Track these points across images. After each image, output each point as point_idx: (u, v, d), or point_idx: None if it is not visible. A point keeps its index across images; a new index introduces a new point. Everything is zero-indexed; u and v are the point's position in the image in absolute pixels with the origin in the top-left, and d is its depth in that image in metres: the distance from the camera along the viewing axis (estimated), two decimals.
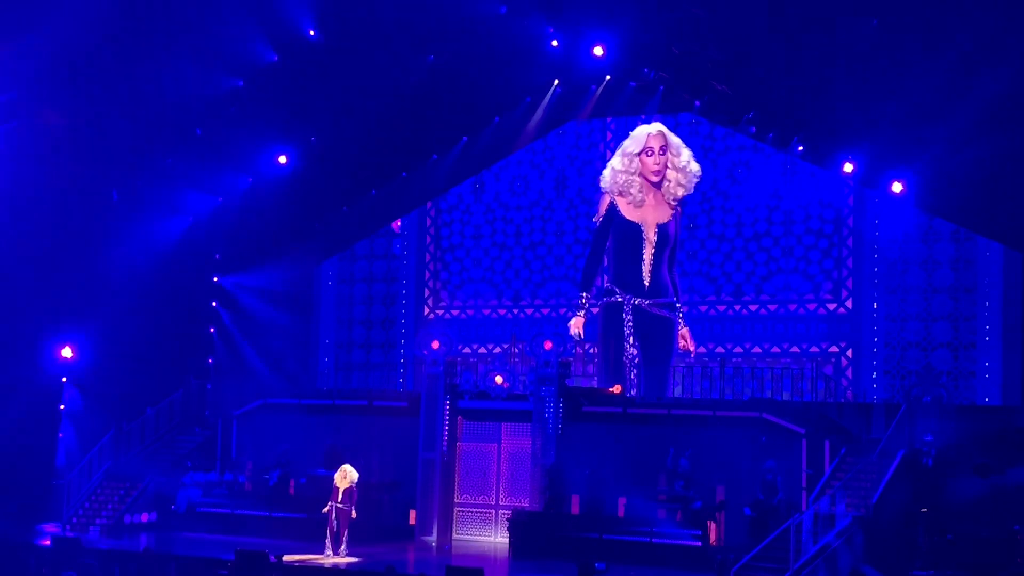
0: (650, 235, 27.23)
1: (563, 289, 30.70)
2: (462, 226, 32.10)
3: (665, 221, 27.36)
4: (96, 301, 25.64)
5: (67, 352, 25.98)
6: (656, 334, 27.26)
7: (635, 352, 27.05)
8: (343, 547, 21.74)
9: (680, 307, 27.55)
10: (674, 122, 29.05)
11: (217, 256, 28.35)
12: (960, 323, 26.90)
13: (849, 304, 28.03)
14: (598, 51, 24.80)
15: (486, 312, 31.57)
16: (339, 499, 21.85)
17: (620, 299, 27.26)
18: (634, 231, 27.29)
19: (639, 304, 27.11)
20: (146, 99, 23.25)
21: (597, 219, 28.12)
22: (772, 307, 28.71)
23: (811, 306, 28.40)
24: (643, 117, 28.55)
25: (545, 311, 30.78)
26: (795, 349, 28.28)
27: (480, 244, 31.81)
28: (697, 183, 27.95)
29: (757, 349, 28.61)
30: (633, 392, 26.51)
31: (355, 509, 21.93)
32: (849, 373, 27.77)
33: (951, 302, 27.05)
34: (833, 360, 27.95)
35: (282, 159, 26.99)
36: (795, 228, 28.58)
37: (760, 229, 28.97)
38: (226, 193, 27.56)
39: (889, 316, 27.57)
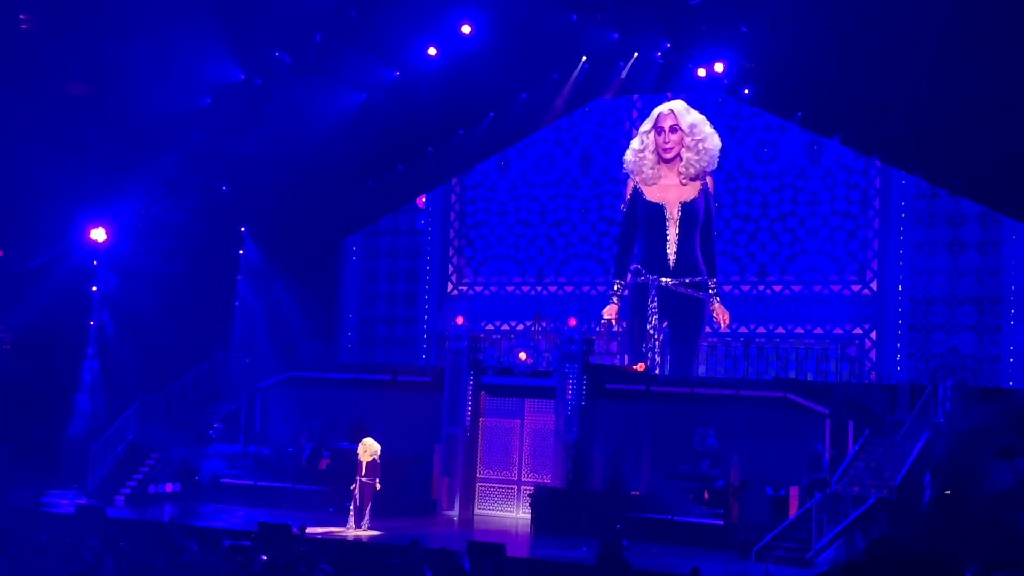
0: (673, 213, 27.23)
1: (587, 267, 30.70)
2: (487, 203, 32.10)
3: (691, 199, 27.33)
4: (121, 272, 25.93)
5: (91, 323, 26.20)
6: (683, 313, 27.24)
7: (662, 331, 27.04)
8: (366, 520, 21.86)
9: (711, 284, 27.48)
10: (701, 100, 28.95)
11: (242, 229, 28.44)
12: (985, 306, 26.76)
13: (874, 286, 27.93)
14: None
15: (509, 289, 31.60)
16: (362, 472, 21.97)
17: (645, 279, 27.29)
18: (657, 211, 27.33)
19: (665, 284, 27.12)
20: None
21: (624, 205, 28.16)
22: (796, 288, 28.63)
23: (835, 287, 28.31)
24: (669, 95, 28.50)
25: (568, 288, 30.78)
26: (818, 330, 28.21)
27: (504, 221, 31.81)
28: (723, 161, 27.87)
29: (780, 330, 28.55)
30: (658, 371, 26.53)
31: (379, 482, 22.04)
32: (873, 355, 27.70)
33: (976, 285, 26.90)
34: (857, 342, 27.87)
35: None
36: (820, 209, 28.45)
37: (785, 209, 28.87)
38: (250, 163, 27.58)
39: (914, 298, 27.45)
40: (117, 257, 26.80)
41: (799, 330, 28.41)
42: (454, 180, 31.91)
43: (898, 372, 26.96)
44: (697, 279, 27.33)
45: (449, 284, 32.33)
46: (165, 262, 26.17)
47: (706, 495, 22.44)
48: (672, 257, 27.21)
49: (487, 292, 31.76)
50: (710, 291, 27.41)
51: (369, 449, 22.09)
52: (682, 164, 27.25)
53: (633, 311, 27.53)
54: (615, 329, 27.61)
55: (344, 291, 32.77)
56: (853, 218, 28.20)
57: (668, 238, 27.27)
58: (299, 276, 29.46)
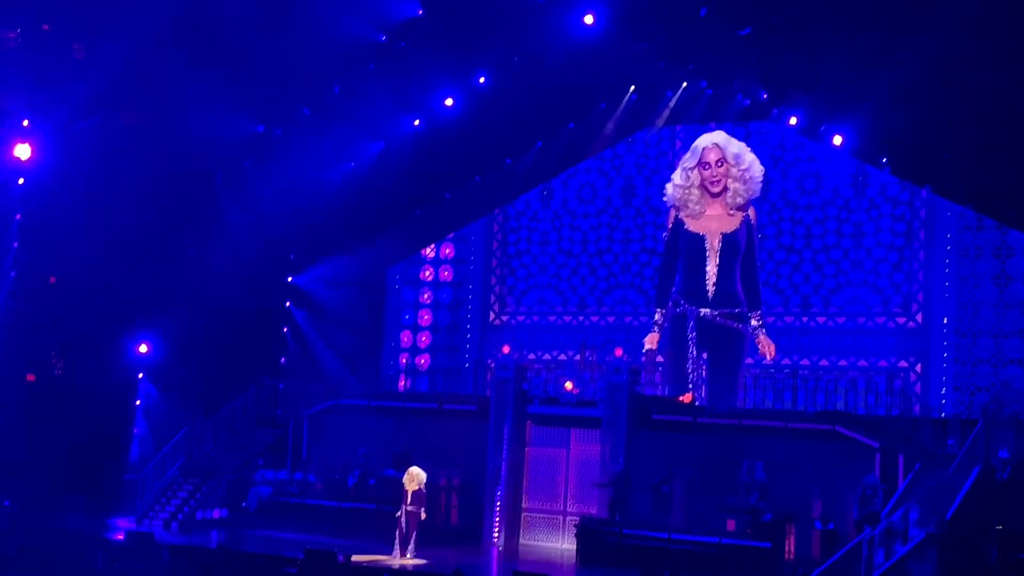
0: (714, 244, 27.19)
1: (629, 296, 30.75)
2: (529, 232, 32.24)
3: (732, 230, 27.25)
4: (173, 298, 26.07)
5: (143, 348, 26.42)
6: (722, 344, 27.19)
7: (702, 362, 27.01)
8: (411, 548, 21.88)
9: (751, 316, 27.34)
10: (745, 131, 29.03)
11: (292, 256, 28.68)
12: None
13: (919, 318, 27.86)
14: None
15: (551, 319, 31.68)
16: (408, 501, 22.01)
17: (684, 310, 27.27)
18: (698, 242, 27.28)
19: (703, 315, 27.08)
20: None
21: (666, 235, 28.17)
22: (840, 320, 28.60)
23: (880, 319, 28.26)
24: (712, 125, 28.58)
25: (611, 319, 30.84)
26: (863, 363, 28.15)
27: (547, 251, 31.92)
28: (766, 192, 27.92)
29: (824, 362, 28.50)
30: (699, 402, 26.49)
31: (424, 511, 22.09)
32: (918, 388, 27.59)
33: (1023, 318, 26.80)
34: (902, 375, 27.78)
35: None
36: (865, 240, 28.45)
37: (829, 241, 28.88)
38: (301, 195, 27.83)
39: (959, 331, 27.38)
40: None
41: (843, 362, 28.36)
42: (496, 209, 32.07)
43: (943, 405, 26.85)
44: (736, 310, 27.22)
45: (491, 313, 32.43)
46: (218, 288, 26.35)
47: (749, 528, 22.32)
48: (711, 288, 27.14)
49: (529, 322, 31.84)
50: (752, 323, 27.29)
51: (416, 478, 22.11)
52: (729, 195, 27.21)
53: (672, 342, 27.50)
54: (657, 360, 27.62)
55: (387, 319, 32.90)
56: (898, 250, 28.16)
57: (707, 269, 27.20)
58: (345, 304, 29.65)
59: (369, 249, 29.94)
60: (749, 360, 27.77)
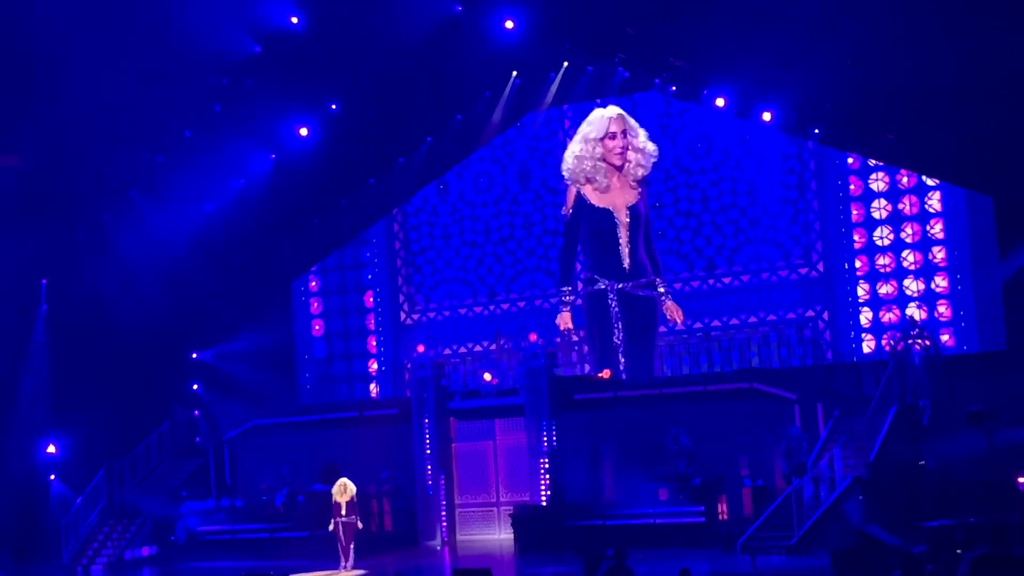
0: (622, 218, 27.27)
1: (538, 280, 30.76)
2: (430, 228, 32.07)
3: (634, 202, 27.43)
4: (67, 335, 25.61)
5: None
6: (641, 315, 27.29)
7: (622, 336, 27.09)
8: (350, 561, 21.68)
9: (660, 283, 27.56)
10: (630, 103, 29.16)
11: (193, 280, 28.11)
12: (931, 275, 27.18)
13: (820, 267, 28.26)
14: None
15: (462, 312, 31.56)
16: (342, 513, 21.79)
17: (603, 286, 27.27)
18: (606, 217, 27.31)
19: (622, 288, 27.12)
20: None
21: (566, 211, 28.08)
22: (745, 278, 28.90)
23: (783, 273, 28.59)
24: (598, 101, 28.62)
25: (522, 304, 30.82)
26: (772, 317, 28.45)
27: (450, 244, 31.79)
28: (657, 162, 28.10)
29: (735, 321, 28.78)
30: (621, 376, 26.61)
31: (359, 520, 21.90)
32: (827, 336, 28.00)
33: (921, 255, 27.31)
34: (810, 324, 28.15)
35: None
36: (760, 197, 28.74)
37: (725, 202, 29.15)
38: (188, 218, 27.31)
39: (862, 275, 27.82)
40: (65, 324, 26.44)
41: (753, 319, 28.64)
42: (395, 209, 31.83)
43: (855, 350, 27.29)
44: (648, 279, 27.42)
45: (402, 313, 32.22)
46: (113, 322, 25.77)
47: (681, 494, 22.51)
48: (626, 261, 27.23)
49: (440, 317, 31.70)
50: (660, 289, 27.48)
51: (347, 490, 21.90)
52: (631, 167, 27.32)
53: (594, 319, 27.50)
54: (573, 339, 27.66)
55: (297, 332, 32.51)
56: (792, 203, 28.51)
57: (620, 243, 27.28)
58: (252, 324, 29.14)
59: (271, 263, 29.48)
60: (662, 328, 27.95)
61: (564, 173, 27.84)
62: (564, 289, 27.80)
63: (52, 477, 26.37)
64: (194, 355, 28.64)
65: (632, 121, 27.61)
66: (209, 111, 24.16)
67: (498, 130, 29.56)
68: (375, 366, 32.18)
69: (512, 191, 31.24)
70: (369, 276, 32.59)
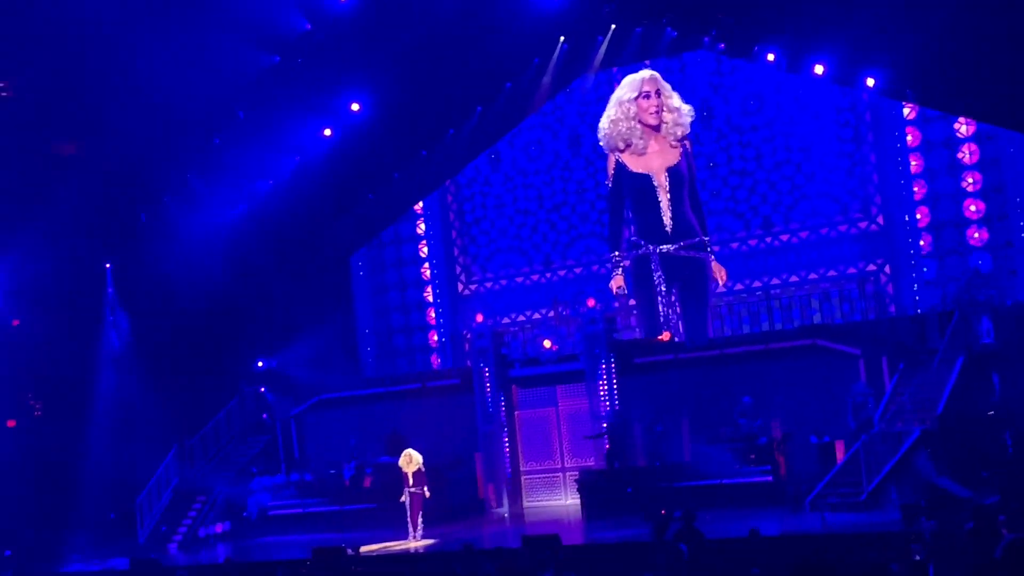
0: (661, 181, 26.95)
1: (592, 246, 30.68)
2: (483, 198, 32.09)
3: (674, 163, 27.12)
4: (134, 319, 26.00)
5: None
6: (689, 276, 27.08)
7: (673, 299, 26.96)
8: (419, 530, 21.92)
9: (708, 242, 27.29)
10: (680, 63, 28.94)
11: (251, 261, 28.37)
12: (994, 224, 26.77)
13: (880, 220, 27.92)
14: None
15: (519, 280, 31.59)
16: (409, 483, 22.02)
17: (645, 250, 27.15)
18: (644, 182, 26.99)
19: (665, 251, 26.96)
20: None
21: (608, 182, 27.95)
22: (803, 234, 28.61)
23: (842, 227, 28.28)
24: (647, 63, 28.40)
25: (578, 270, 30.78)
26: (832, 273, 28.18)
27: (504, 213, 31.80)
28: (710, 121, 27.85)
29: (794, 278, 28.51)
30: (677, 339, 26.48)
31: (427, 490, 22.12)
32: (890, 289, 27.72)
33: (983, 204, 26.90)
34: (872, 278, 27.86)
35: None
36: (815, 152, 28.41)
37: (780, 158, 28.85)
38: (246, 197, 27.55)
39: (923, 226, 27.43)
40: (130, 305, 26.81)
41: (813, 276, 28.37)
42: (448, 181, 31.88)
43: (918, 302, 26.99)
44: (695, 240, 27.14)
45: (459, 284, 32.32)
46: (178, 304, 26.08)
47: (746, 454, 22.46)
48: (668, 224, 27.01)
49: (497, 286, 31.76)
50: (707, 250, 27.22)
51: (413, 459, 22.14)
52: (668, 126, 27.05)
53: (639, 284, 27.38)
54: (630, 302, 27.54)
55: (357, 308, 32.74)
56: (849, 155, 28.17)
57: (660, 206, 27.05)
58: (313, 301, 29.36)
59: (330, 240, 29.67)
60: (721, 289, 27.74)
61: (600, 140, 27.55)
62: (614, 255, 27.66)
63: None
64: (258, 331, 28.88)
65: (665, 83, 27.31)
66: (262, 90, 24.28)
67: (548, 96, 29.41)
68: (435, 338, 32.35)
69: (564, 157, 31.16)
70: (425, 248, 32.70)
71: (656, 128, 26.98)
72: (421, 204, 32.17)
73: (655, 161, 27.00)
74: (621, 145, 26.99)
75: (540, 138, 31.35)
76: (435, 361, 31.95)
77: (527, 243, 31.51)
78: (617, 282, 27.40)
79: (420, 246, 32.74)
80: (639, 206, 27.17)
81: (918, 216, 27.43)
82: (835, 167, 28.22)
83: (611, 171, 27.53)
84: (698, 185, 27.55)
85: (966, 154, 26.96)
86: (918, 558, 11.75)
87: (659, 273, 26.74)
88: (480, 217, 32.11)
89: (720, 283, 27.04)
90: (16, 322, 25.11)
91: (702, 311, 26.97)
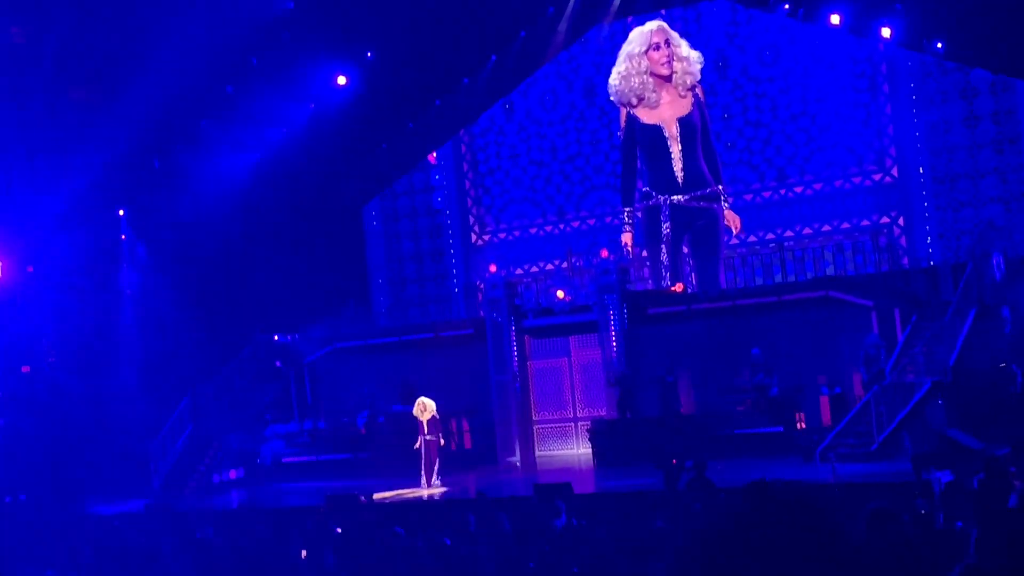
0: (672, 132, 26.88)
1: (606, 197, 30.63)
2: (497, 148, 32.02)
3: (686, 113, 26.99)
4: (147, 265, 26.06)
5: None
6: (701, 228, 27.06)
7: (684, 250, 26.94)
8: (436, 478, 22.06)
9: (722, 192, 27.17)
10: (695, 12, 28.76)
11: (264, 209, 28.40)
12: (1008, 175, 26.64)
13: (895, 172, 27.79)
14: None
15: (533, 231, 31.59)
16: (424, 431, 22.16)
17: (656, 201, 27.07)
18: (656, 133, 26.95)
19: (676, 201, 26.89)
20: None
21: (620, 133, 27.83)
22: (817, 186, 28.53)
23: (856, 179, 28.18)
24: (663, 12, 28.24)
25: (591, 222, 30.75)
26: (846, 225, 28.10)
27: (518, 164, 31.74)
28: (726, 70, 27.66)
29: (808, 231, 28.46)
30: (690, 290, 26.47)
31: (442, 437, 22.28)
32: (903, 241, 27.64)
33: (997, 156, 26.74)
34: (885, 231, 27.78)
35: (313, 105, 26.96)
36: (831, 103, 28.24)
37: (796, 110, 28.69)
38: (260, 146, 27.51)
39: (936, 178, 27.33)
40: (141, 255, 26.87)
41: (827, 228, 28.30)
42: (461, 131, 31.80)
43: (931, 255, 26.93)
44: (708, 191, 27.03)
45: (472, 235, 32.33)
46: (191, 253, 26.15)
47: (758, 404, 22.52)
48: (680, 174, 26.92)
49: (511, 237, 31.76)
50: (722, 200, 27.13)
51: (428, 407, 22.25)
52: (679, 76, 26.89)
53: (649, 235, 27.35)
54: (643, 255, 27.51)
55: (371, 257, 32.81)
56: (864, 107, 28.00)
57: (672, 156, 26.95)
58: (326, 249, 29.43)
59: (342, 189, 29.69)
60: (734, 240, 27.72)
61: (612, 96, 27.43)
62: (625, 210, 27.59)
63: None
64: (271, 280, 28.95)
65: (672, 32, 27.14)
66: (275, 37, 24.19)
67: (562, 46, 29.29)
68: (447, 288, 32.43)
69: (578, 108, 31.04)
70: (439, 199, 32.69)
71: (667, 79, 26.88)
72: (435, 154, 32.13)
73: (667, 112, 26.92)
74: (634, 100, 26.89)
75: (555, 88, 31.22)
76: (448, 312, 32.03)
77: (541, 194, 31.46)
78: (627, 238, 27.40)
79: (434, 196, 32.74)
80: (651, 157, 27.11)
81: (933, 168, 27.31)
82: (850, 118, 28.06)
83: (623, 124, 27.48)
84: (712, 136, 27.50)
85: (982, 105, 26.77)
86: (924, 512, 11.79)
87: (667, 223, 26.71)
88: (494, 168, 32.06)
89: (734, 231, 27.04)
90: (30, 268, 25.20)
91: (714, 262, 26.97)
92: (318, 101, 26.57)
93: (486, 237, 32.14)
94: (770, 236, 28.51)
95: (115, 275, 26.90)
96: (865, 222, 27.87)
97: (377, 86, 26.46)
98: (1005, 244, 22.06)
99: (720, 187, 27.02)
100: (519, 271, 30.49)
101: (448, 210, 32.54)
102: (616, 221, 29.77)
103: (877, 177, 27.96)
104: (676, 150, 26.83)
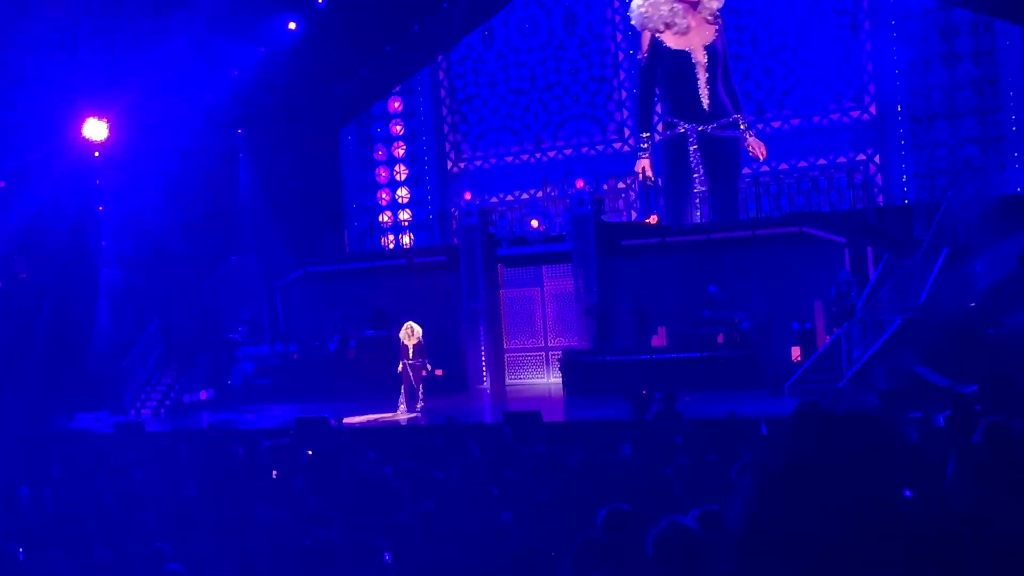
0: (700, 58, 26.55)
1: (584, 127, 30.50)
2: (475, 75, 31.77)
3: (711, 40, 26.70)
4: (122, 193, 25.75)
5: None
6: (723, 157, 26.79)
7: (704, 179, 26.71)
8: (420, 403, 22.07)
9: (742, 120, 26.89)
10: None
11: (239, 131, 28.12)
12: (987, 116, 26.64)
13: (873, 109, 27.76)
14: None
15: (509, 159, 31.48)
16: (409, 356, 22.15)
17: (683, 129, 26.74)
18: (684, 59, 26.59)
19: (703, 130, 26.61)
20: None
21: (641, 56, 27.43)
22: (795, 121, 28.47)
23: (834, 116, 28.13)
24: None
25: (568, 151, 30.64)
26: (822, 161, 28.10)
27: (496, 92, 31.52)
28: None
29: (784, 166, 28.45)
30: (703, 220, 26.30)
31: (428, 363, 22.26)
32: (879, 179, 27.67)
33: (976, 96, 26.73)
34: (861, 168, 27.81)
35: (292, 25, 26.52)
36: (811, 38, 28.09)
37: (776, 43, 28.55)
38: (240, 66, 27.12)
39: (914, 117, 27.32)
40: (121, 163, 26.50)
41: (803, 163, 28.31)
42: (440, 57, 31.50)
43: (906, 193, 26.99)
44: (731, 118, 26.80)
45: (448, 162, 32.18)
46: (165, 173, 25.82)
47: (728, 338, 22.62)
48: (706, 102, 26.63)
49: (487, 165, 31.64)
50: (741, 127, 26.90)
51: (414, 333, 22.21)
52: (705, 2, 26.51)
53: (672, 164, 27.03)
54: (648, 184, 27.27)
55: (346, 182, 32.61)
56: (845, 43, 27.87)
57: (699, 84, 26.63)
58: (301, 173, 29.20)
59: (319, 112, 29.35)
60: (746, 170, 27.43)
61: (635, 20, 26.95)
62: (643, 136, 27.30)
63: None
64: (244, 204, 28.74)
65: None
66: None
67: None
68: (421, 214, 32.30)
69: (558, 37, 30.77)
70: (416, 125, 32.46)
71: (695, 5, 26.48)
72: (412, 79, 31.83)
73: (695, 39, 26.53)
74: (661, 26, 26.44)
75: (534, 15, 30.92)
76: (421, 239, 31.96)
77: (518, 122, 31.29)
78: (643, 166, 27.11)
79: (410, 122, 32.51)
80: (676, 85, 26.70)
81: (911, 106, 27.28)
82: (830, 55, 27.94)
83: (645, 48, 27.00)
84: (731, 65, 27.19)
85: (962, 44, 26.70)
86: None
87: (697, 154, 26.44)
88: (472, 95, 31.83)
89: (761, 158, 26.86)
90: (2, 184, 24.88)
91: (734, 193, 26.80)
92: (297, 20, 26.17)
93: (462, 164, 31.99)
94: (746, 171, 28.42)
95: (90, 190, 26.55)
96: (841, 159, 27.88)
97: (356, 7, 26.08)
98: (980, 185, 22.11)
99: (739, 116, 26.77)
100: (494, 199, 30.36)
101: (425, 136, 32.33)
102: (592, 152, 29.73)
103: (855, 114, 27.93)
104: (703, 78, 26.48)
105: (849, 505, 1.44)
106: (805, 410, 3.73)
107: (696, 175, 26.45)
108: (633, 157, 28.09)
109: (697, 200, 26.56)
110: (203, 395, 26.03)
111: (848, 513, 1.43)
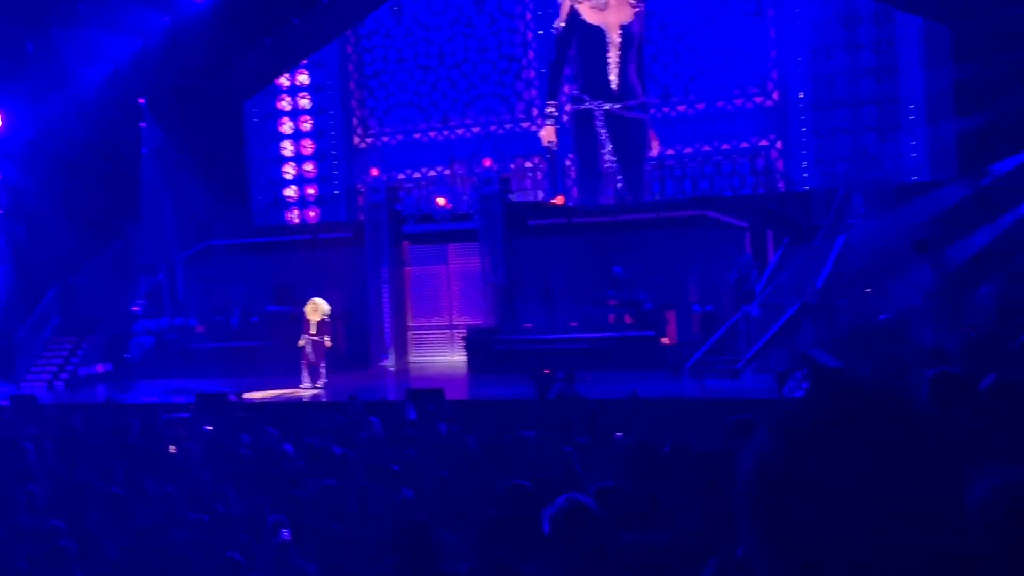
0: (614, 37, 26.68)
1: (492, 106, 30.49)
2: (384, 51, 31.56)
3: (628, 21, 26.83)
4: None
5: None
6: (630, 138, 27.02)
7: (611, 158, 26.87)
8: (321, 379, 21.98)
9: (647, 104, 27.09)
10: None
11: (141, 101, 27.56)
12: (885, 105, 27.19)
13: (776, 96, 28.17)
14: None
15: (416, 136, 31.34)
16: (312, 331, 22.01)
17: (590, 106, 26.86)
18: (597, 35, 26.70)
19: (610, 109, 26.76)
20: None
21: (558, 24, 27.44)
22: (700, 106, 28.75)
23: (738, 101, 28.48)
24: None
25: (476, 130, 30.59)
26: (725, 146, 28.44)
27: (404, 68, 31.35)
28: None
29: (688, 150, 28.74)
30: (614, 199, 26.45)
31: (329, 339, 22.15)
32: (780, 165, 28.11)
33: (876, 85, 27.26)
34: (763, 154, 28.23)
35: None
36: (718, 24, 28.41)
37: (684, 28, 28.80)
38: (145, 35, 26.60)
39: (816, 104, 27.77)
40: (14, 145, 25.91)
41: (707, 148, 28.61)
42: (348, 32, 31.22)
43: (807, 179, 27.47)
44: (639, 101, 27.00)
45: (355, 137, 31.94)
46: (65, 143, 25.26)
47: (631, 319, 22.86)
48: (615, 81, 26.78)
49: (394, 141, 31.48)
50: (650, 111, 27.11)
51: (320, 308, 22.08)
52: None
53: (580, 140, 27.17)
54: (552, 151, 27.28)
55: (251, 155, 32.16)
56: (750, 29, 28.17)
57: (610, 63, 26.76)
58: (205, 144, 28.68)
59: (223, 84, 28.88)
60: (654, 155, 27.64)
61: None
62: (549, 103, 27.37)
63: None
64: (144, 176, 28.19)
65: None
66: None
67: None
68: (327, 190, 32.05)
69: (467, 14, 30.68)
70: (323, 99, 32.16)
71: None
72: (320, 53, 31.49)
73: (612, 17, 26.61)
74: None
75: None
76: (327, 214, 31.71)
77: (426, 99, 31.17)
78: (548, 133, 27.15)
79: (316, 96, 32.20)
80: (587, 59, 26.77)
81: (813, 93, 27.72)
82: (736, 41, 28.25)
83: (563, 16, 27.00)
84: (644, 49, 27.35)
85: (864, 33, 27.19)
86: None
87: (604, 131, 26.54)
88: (380, 70, 31.63)
89: (652, 150, 27.11)
90: None
91: (640, 173, 27.01)
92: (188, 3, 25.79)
93: (369, 140, 31.79)
94: (652, 154, 28.71)
95: None
96: (744, 144, 28.26)
97: None
98: (877, 173, 22.59)
99: (644, 100, 26.90)
100: (401, 176, 30.26)
101: (332, 111, 32.05)
102: (500, 130, 29.75)
103: (758, 100, 28.31)
104: (615, 57, 26.58)
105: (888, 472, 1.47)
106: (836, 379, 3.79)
107: (604, 151, 26.65)
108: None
109: (618, 177, 26.74)
110: (100, 368, 25.57)
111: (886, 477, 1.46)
